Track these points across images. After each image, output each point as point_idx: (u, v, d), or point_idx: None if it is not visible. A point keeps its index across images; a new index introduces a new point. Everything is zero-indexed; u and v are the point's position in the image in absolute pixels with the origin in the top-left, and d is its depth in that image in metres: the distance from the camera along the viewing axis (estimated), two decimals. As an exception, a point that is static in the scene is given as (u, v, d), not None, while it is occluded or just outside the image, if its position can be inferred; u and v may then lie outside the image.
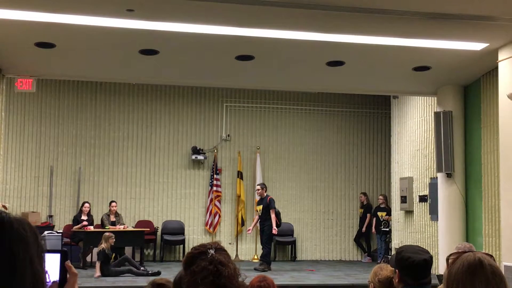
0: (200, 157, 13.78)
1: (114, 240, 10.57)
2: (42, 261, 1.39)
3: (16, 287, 1.32)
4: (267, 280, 3.80)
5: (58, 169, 13.31)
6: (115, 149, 13.71)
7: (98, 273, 10.20)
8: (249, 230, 12.23)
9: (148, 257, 13.28)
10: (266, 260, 11.45)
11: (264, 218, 11.58)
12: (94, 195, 13.39)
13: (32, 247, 1.36)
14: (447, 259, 2.19)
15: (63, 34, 8.17)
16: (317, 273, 11.40)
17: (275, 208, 11.60)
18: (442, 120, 10.48)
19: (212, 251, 2.21)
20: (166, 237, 13.34)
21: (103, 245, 10.38)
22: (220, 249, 2.25)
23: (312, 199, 14.49)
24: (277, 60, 9.43)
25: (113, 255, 10.79)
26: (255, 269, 11.01)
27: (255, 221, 12.09)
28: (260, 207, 11.73)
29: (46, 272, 1.46)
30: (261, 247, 11.80)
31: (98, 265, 10.31)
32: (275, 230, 11.44)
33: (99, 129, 13.63)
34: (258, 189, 11.90)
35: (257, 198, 12.19)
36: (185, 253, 2.35)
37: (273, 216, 11.46)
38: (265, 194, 11.77)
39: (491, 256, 2.16)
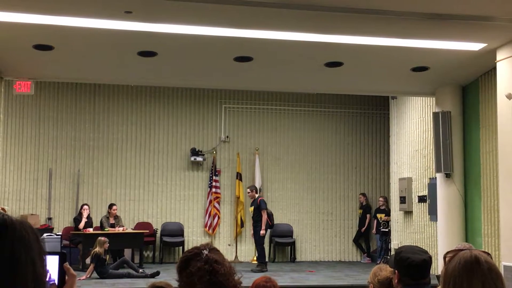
0: (199, 158, 13.78)
1: (109, 245, 10.50)
2: (43, 262, 1.40)
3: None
4: (272, 282, 3.84)
5: (57, 172, 13.30)
6: (114, 151, 13.70)
7: (87, 275, 10.15)
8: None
9: (148, 259, 13.27)
10: (261, 261, 11.46)
11: (256, 220, 11.59)
12: (93, 197, 13.38)
13: (33, 249, 1.37)
14: (444, 257, 2.21)
15: (62, 36, 8.17)
16: (317, 274, 11.40)
17: (266, 209, 11.60)
18: (440, 121, 10.49)
19: (206, 252, 2.25)
20: (165, 238, 13.33)
21: (97, 249, 10.24)
22: (213, 249, 2.29)
23: (311, 200, 14.49)
24: (276, 61, 9.43)
25: (108, 256, 10.75)
26: (252, 270, 11.02)
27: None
28: (252, 208, 11.75)
29: (48, 271, 1.47)
30: (256, 248, 11.80)
31: (91, 267, 10.26)
32: (262, 232, 11.43)
33: (98, 131, 13.63)
34: (249, 192, 11.93)
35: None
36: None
37: (264, 217, 11.44)
38: (256, 196, 11.76)
39: (488, 253, 2.17)
